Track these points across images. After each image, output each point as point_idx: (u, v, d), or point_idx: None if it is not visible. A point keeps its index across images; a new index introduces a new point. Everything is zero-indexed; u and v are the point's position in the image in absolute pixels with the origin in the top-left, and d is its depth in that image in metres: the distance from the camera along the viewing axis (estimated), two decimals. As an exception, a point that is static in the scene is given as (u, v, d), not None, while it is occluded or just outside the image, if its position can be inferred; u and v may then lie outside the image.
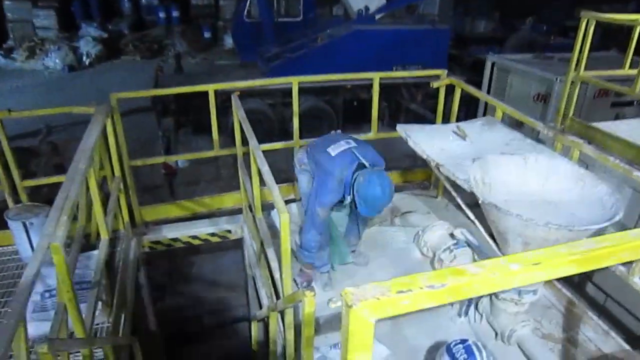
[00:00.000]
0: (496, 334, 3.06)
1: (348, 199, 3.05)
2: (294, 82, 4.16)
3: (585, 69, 4.88)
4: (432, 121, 9.88)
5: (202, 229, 4.35)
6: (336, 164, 3.01)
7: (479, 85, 9.47)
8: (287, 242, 2.26)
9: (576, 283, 4.20)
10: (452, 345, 2.54)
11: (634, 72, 5.08)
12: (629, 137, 4.71)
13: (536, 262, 0.84)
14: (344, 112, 10.09)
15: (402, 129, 3.33)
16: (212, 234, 4.38)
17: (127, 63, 16.47)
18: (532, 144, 3.15)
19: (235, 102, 3.76)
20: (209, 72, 11.80)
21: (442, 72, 4.48)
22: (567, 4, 17.44)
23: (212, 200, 4.41)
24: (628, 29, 4.86)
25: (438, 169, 2.87)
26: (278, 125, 9.36)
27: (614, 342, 3.11)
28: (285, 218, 2.17)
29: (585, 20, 4.58)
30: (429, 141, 3.17)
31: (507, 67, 8.96)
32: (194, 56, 16.60)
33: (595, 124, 5.04)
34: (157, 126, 9.16)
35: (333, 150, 3.08)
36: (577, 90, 4.84)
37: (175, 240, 4.28)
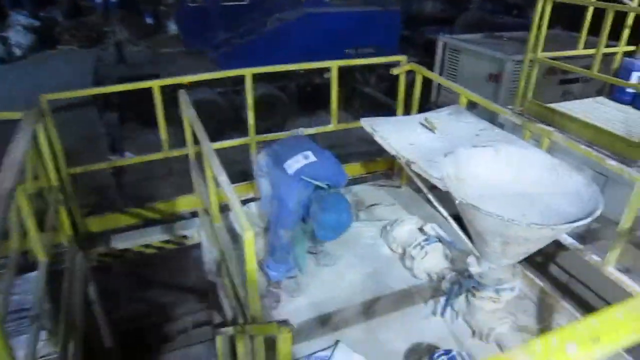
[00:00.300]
0: (473, 332, 2.96)
1: (307, 221, 2.95)
2: (247, 74, 3.86)
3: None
4: (388, 104, 9.91)
5: (156, 237, 4.02)
6: (292, 190, 2.85)
7: (431, 66, 9.45)
8: (252, 262, 2.02)
9: (546, 270, 4.19)
10: (435, 357, 2.40)
11: (590, 51, 5.10)
12: (584, 117, 4.74)
13: (594, 336, 0.65)
14: (298, 98, 9.83)
15: (367, 123, 3.13)
16: (167, 241, 4.07)
17: (64, 53, 15.36)
18: (503, 134, 3.04)
19: (182, 98, 3.44)
20: (153, 61, 11.17)
21: (403, 58, 4.30)
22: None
23: (164, 205, 4.08)
24: (573, 7, 4.85)
25: (409, 166, 2.69)
26: (231, 115, 8.98)
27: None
28: (249, 237, 1.93)
29: (542, 1, 4.50)
30: (397, 135, 2.99)
31: (458, 47, 8.95)
32: (136, 44, 15.71)
33: (553, 105, 5.05)
34: (101, 122, 8.59)
35: (290, 168, 2.89)
36: (535, 72, 4.80)
37: (126, 250, 3.93)
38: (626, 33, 5.27)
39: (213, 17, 9.42)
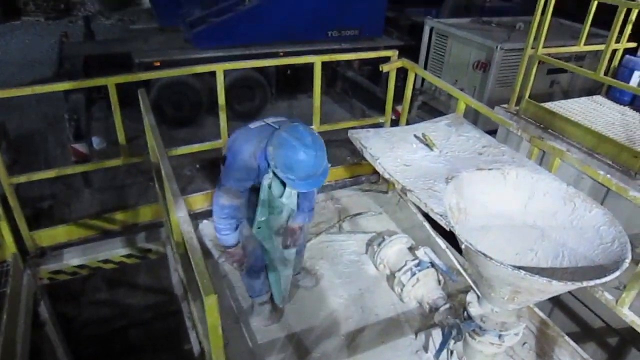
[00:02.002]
0: (470, 375, 2.65)
1: (267, 180, 2.36)
2: (218, 69, 3.40)
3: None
4: (371, 90, 9.47)
5: (116, 251, 3.60)
6: (252, 134, 2.35)
7: (416, 50, 9.04)
8: (216, 329, 1.63)
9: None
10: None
11: (597, 47, 4.77)
12: (584, 119, 4.44)
13: None
14: (276, 80, 9.33)
15: (356, 138, 2.73)
16: (129, 255, 3.64)
17: (29, 25, 14.43)
18: (509, 152, 2.67)
19: (142, 99, 2.97)
20: (124, 37, 10.46)
21: (393, 54, 3.87)
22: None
23: (124, 215, 3.63)
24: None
25: (405, 194, 2.31)
26: (206, 97, 8.45)
27: (593, 369, 2.82)
28: (211, 303, 1.54)
29: (546, -7, 4.12)
30: (389, 152, 2.61)
31: (446, 32, 8.56)
32: (108, 17, 14.86)
33: (550, 106, 4.73)
34: (65, 104, 7.95)
35: (253, 124, 2.45)
36: (534, 70, 4.44)
37: (81, 267, 3.50)
38: (629, 29, 4.93)
39: (188, -8, 8.78)
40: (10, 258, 3.22)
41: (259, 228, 2.58)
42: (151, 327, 5.02)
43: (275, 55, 8.69)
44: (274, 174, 2.28)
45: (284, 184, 2.35)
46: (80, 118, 7.63)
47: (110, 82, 3.15)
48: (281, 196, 2.43)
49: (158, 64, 7.97)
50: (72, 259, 3.46)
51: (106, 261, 3.56)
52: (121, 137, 3.38)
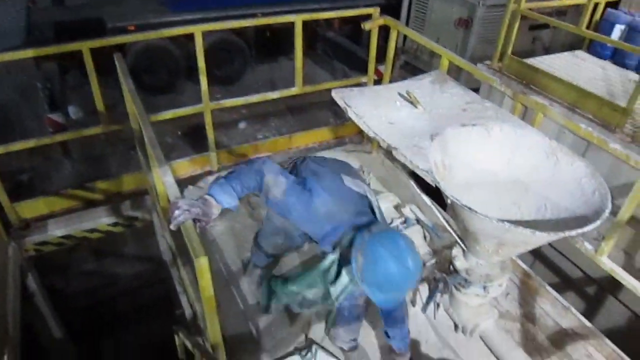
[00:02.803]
0: (456, 326, 2.74)
1: (328, 261, 2.03)
2: (197, 31, 3.30)
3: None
4: (352, 50, 9.32)
5: (101, 220, 3.57)
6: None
7: (398, 10, 8.89)
8: (209, 289, 1.65)
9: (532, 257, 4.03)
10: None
11: (572, 1, 4.74)
12: (566, 75, 4.45)
13: None
14: (255, 43, 9.11)
15: (339, 96, 2.70)
16: (115, 224, 3.62)
17: (-10, -10, 13.75)
18: (493, 108, 2.68)
19: (119, 64, 2.88)
20: (95, 3, 10.03)
21: (374, 11, 3.80)
22: None
23: (108, 185, 3.58)
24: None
25: (390, 152, 2.32)
26: (184, 62, 8.24)
27: (572, 317, 2.93)
28: (203, 264, 1.55)
29: (528, -55, 4.05)
30: (374, 111, 2.59)
31: (427, -11, 8.41)
32: (76, -20, 14.19)
33: (532, 62, 4.74)
34: (37, 73, 7.68)
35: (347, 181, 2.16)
36: (517, 25, 4.40)
37: (67, 237, 3.47)
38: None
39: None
40: (-6, 232, 3.18)
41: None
42: (141, 295, 5.05)
43: (253, 16, 8.46)
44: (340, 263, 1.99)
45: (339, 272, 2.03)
46: (54, 87, 7.42)
47: (84, 46, 3.04)
48: (333, 282, 2.03)
49: (133, 28, 7.71)
50: (57, 230, 3.43)
51: (92, 230, 3.54)
52: (99, 105, 3.30)
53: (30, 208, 3.40)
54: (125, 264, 4.95)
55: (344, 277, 2.01)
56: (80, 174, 4.98)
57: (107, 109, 3.45)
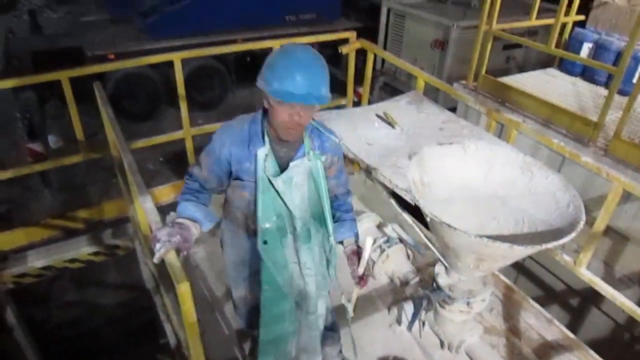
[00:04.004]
0: (442, 343, 2.75)
1: (262, 153, 1.86)
2: (175, 59, 3.34)
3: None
4: (332, 74, 9.50)
5: (82, 249, 3.52)
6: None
7: (375, 31, 9.08)
8: (191, 315, 1.64)
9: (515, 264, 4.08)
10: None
11: (547, 22, 4.92)
12: (539, 92, 4.58)
13: None
14: (236, 68, 9.21)
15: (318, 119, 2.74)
16: (96, 253, 3.57)
17: (-30, 21, 13.68)
18: (468, 127, 2.76)
19: (98, 92, 2.89)
20: (73, 30, 10.05)
21: (352, 35, 3.89)
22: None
23: (88, 213, 3.55)
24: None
25: (370, 172, 2.36)
26: (163, 87, 8.28)
27: (556, 329, 2.97)
28: (184, 290, 1.55)
29: (496, -31, 4.21)
30: (353, 132, 2.64)
31: (402, 12, 8.62)
32: (55, 9, 14.23)
33: (506, 80, 4.87)
34: (15, 102, 7.62)
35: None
36: (489, 45, 4.54)
37: (47, 268, 3.41)
38: (577, 2, 5.10)
39: (138, -20, 8.52)
40: (-29, 264, 3.12)
41: (264, 243, 1.97)
42: (124, 324, 4.96)
43: (233, 42, 8.58)
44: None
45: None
46: (33, 116, 7.36)
47: (63, 76, 3.05)
48: (277, 175, 1.88)
49: (112, 56, 7.75)
50: (37, 261, 3.37)
51: (73, 260, 3.48)
52: (79, 133, 3.29)
53: (9, 240, 3.34)
54: (107, 294, 4.86)
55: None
56: (60, 203, 4.92)
57: (87, 137, 3.44)
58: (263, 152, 1.87)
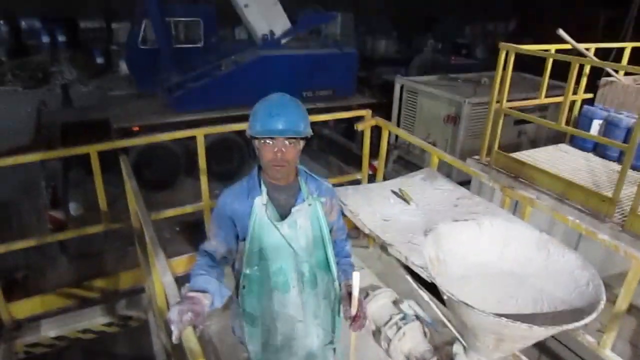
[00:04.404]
0: None
1: (260, 200, 1.95)
2: (199, 134, 3.50)
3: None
4: (347, 147, 9.70)
5: (96, 319, 3.50)
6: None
7: (389, 106, 9.39)
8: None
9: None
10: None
11: (556, 100, 5.07)
12: (552, 167, 4.63)
13: None
14: (255, 141, 9.49)
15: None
16: (109, 324, 3.55)
17: (7, 94, 14.51)
18: (483, 203, 2.79)
19: (124, 164, 3.02)
20: (102, 104, 10.61)
21: (367, 113, 4.06)
22: (456, 22, 18.50)
23: (104, 282, 3.58)
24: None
25: (386, 248, 2.38)
26: (185, 160, 8.56)
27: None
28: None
29: (505, 51, 4.42)
30: (368, 208, 2.69)
31: (415, 89, 8.94)
32: (86, 84, 15.06)
33: (519, 155, 4.94)
34: (42, 170, 7.91)
35: None
36: (500, 123, 4.67)
37: (60, 338, 3.38)
38: (584, 81, 5.28)
39: (165, 59, 9.05)
40: (-15, 333, 3.12)
41: (243, 287, 2.02)
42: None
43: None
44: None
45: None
46: (57, 185, 7.63)
47: (92, 149, 3.21)
48: (281, 220, 1.94)
49: (137, 128, 8.10)
50: (50, 331, 3.36)
51: (85, 331, 3.46)
52: (102, 204, 3.40)
53: (25, 308, 3.36)
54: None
55: None
56: (76, 271, 4.95)
57: (107, 206, 3.55)
58: (260, 200, 1.96)
